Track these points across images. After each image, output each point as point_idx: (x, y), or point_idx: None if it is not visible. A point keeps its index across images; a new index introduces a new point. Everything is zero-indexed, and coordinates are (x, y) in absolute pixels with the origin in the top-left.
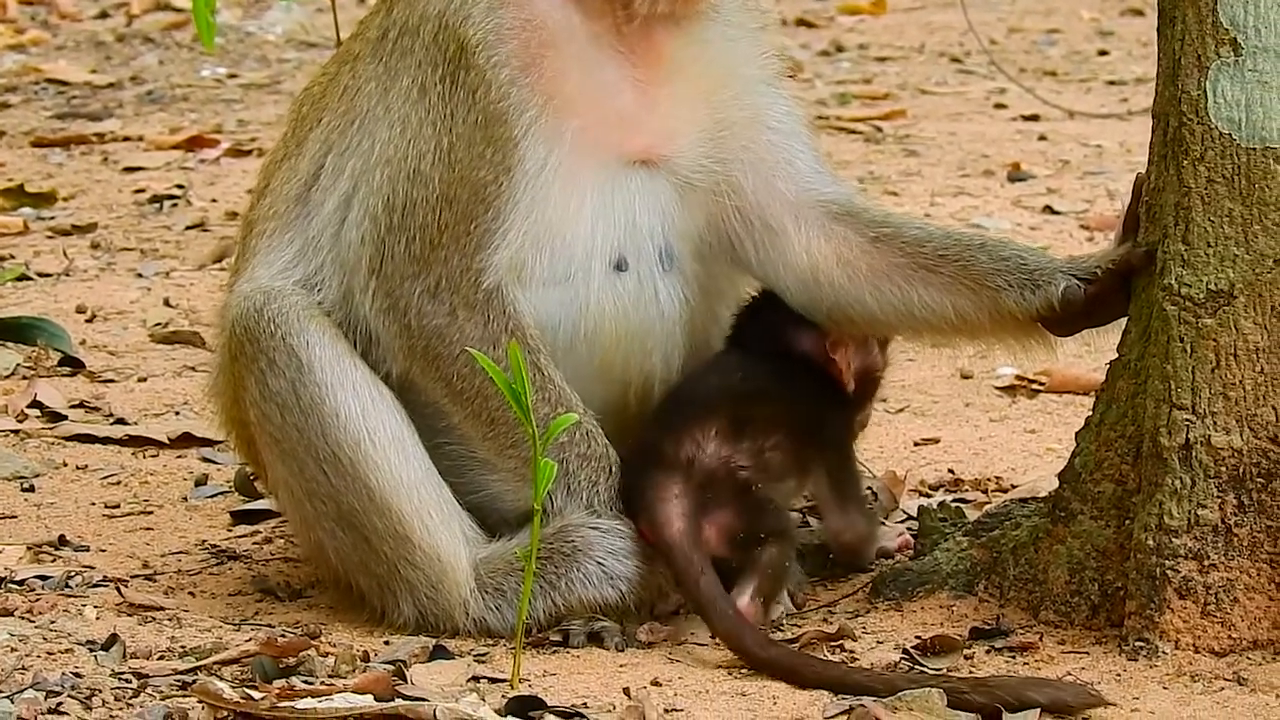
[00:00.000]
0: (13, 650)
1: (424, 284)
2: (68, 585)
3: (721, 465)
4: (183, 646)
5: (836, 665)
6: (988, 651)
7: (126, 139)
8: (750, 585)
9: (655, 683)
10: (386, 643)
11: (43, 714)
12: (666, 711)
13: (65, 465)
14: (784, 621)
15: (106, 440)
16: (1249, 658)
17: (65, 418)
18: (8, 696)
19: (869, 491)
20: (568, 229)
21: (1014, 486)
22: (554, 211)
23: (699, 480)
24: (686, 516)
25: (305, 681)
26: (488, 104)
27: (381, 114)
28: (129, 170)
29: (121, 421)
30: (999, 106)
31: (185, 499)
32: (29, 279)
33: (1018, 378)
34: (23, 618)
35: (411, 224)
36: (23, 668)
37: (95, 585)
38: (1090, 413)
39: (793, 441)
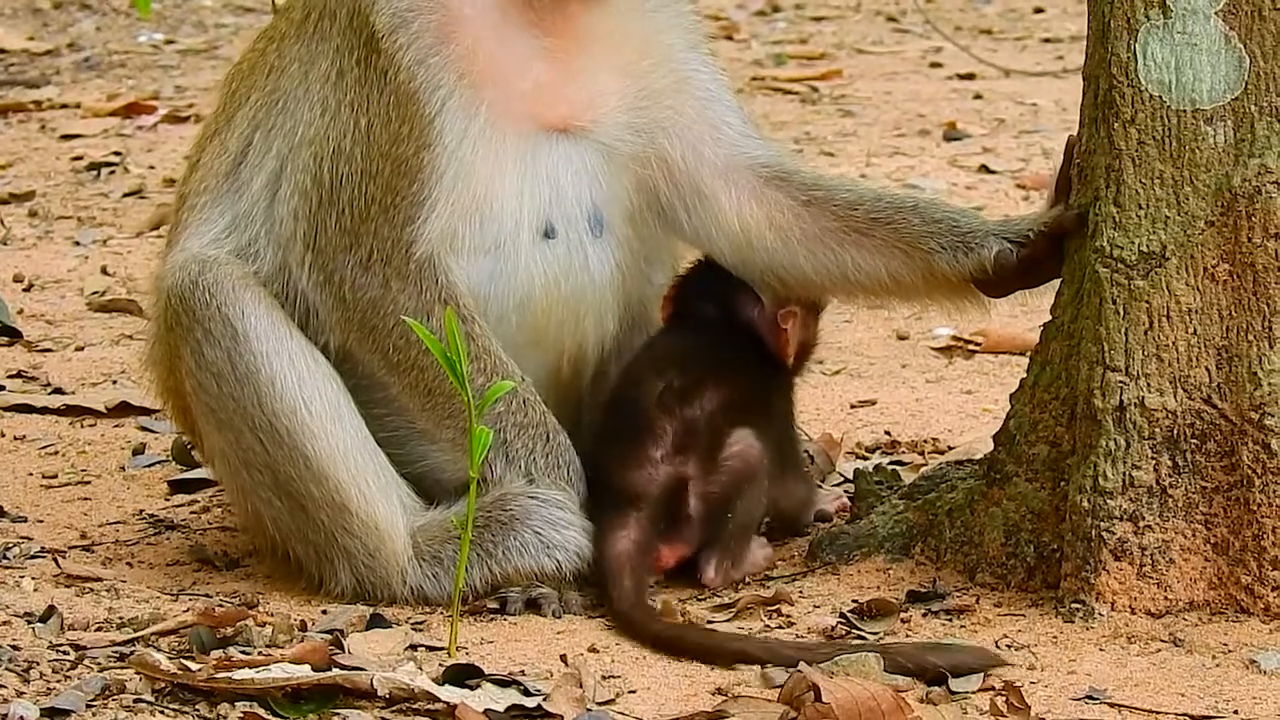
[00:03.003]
0: None
1: (356, 256)
2: (5, 556)
3: (674, 484)
4: (120, 618)
5: (714, 634)
6: (924, 614)
7: (64, 106)
8: (713, 558)
9: (592, 649)
10: (324, 612)
11: None
12: (604, 678)
13: (3, 435)
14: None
15: (44, 410)
16: (1185, 619)
17: (3, 388)
18: None
19: (805, 454)
20: (494, 199)
21: (951, 448)
22: (479, 182)
23: (652, 511)
24: (634, 541)
25: (242, 651)
26: (398, 85)
27: (303, 95)
28: (66, 138)
29: (59, 391)
30: (934, 65)
31: (123, 468)
32: None
33: (954, 339)
34: None
35: (340, 199)
36: None
37: (33, 556)
38: (1025, 374)
39: (740, 426)
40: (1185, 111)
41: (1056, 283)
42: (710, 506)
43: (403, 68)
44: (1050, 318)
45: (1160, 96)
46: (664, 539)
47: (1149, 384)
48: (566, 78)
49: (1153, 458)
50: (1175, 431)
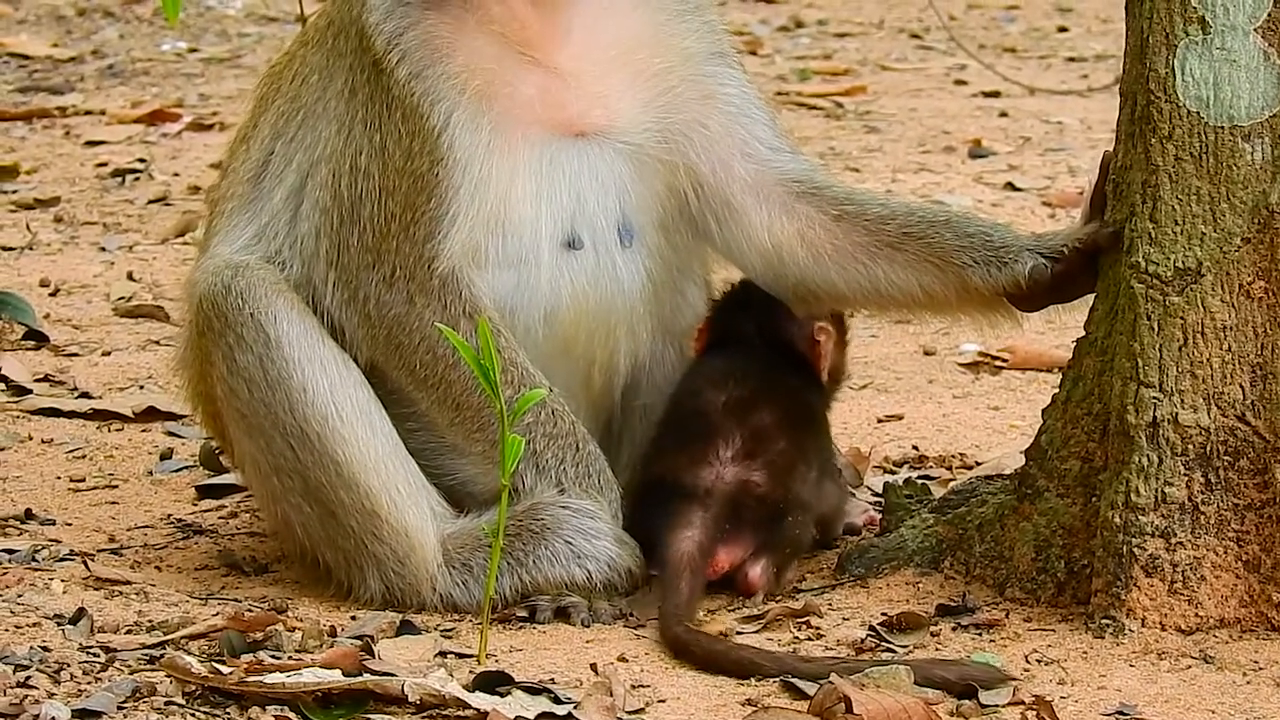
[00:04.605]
0: None
1: (380, 273)
2: (34, 559)
3: (741, 488)
4: (150, 621)
5: (723, 642)
6: (954, 629)
7: (88, 113)
8: (761, 563)
9: (622, 658)
10: (353, 618)
11: (11, 688)
12: (633, 687)
13: (30, 439)
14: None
15: (71, 414)
16: (1216, 636)
17: (30, 392)
18: None
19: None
20: (514, 211)
21: (978, 463)
22: (496, 194)
23: (718, 510)
24: (697, 542)
25: (273, 656)
26: (404, 100)
27: (321, 110)
28: (91, 144)
29: (86, 395)
30: (959, 83)
31: (150, 473)
32: None
33: (981, 354)
34: None
35: (360, 216)
36: None
37: (62, 559)
38: (1056, 390)
39: (793, 439)
40: (1223, 128)
41: (1089, 298)
42: (771, 514)
43: (404, 84)
44: (1084, 333)
45: (1198, 113)
46: (723, 542)
47: (1182, 400)
48: (567, 78)
49: (1185, 474)
50: (1208, 448)
